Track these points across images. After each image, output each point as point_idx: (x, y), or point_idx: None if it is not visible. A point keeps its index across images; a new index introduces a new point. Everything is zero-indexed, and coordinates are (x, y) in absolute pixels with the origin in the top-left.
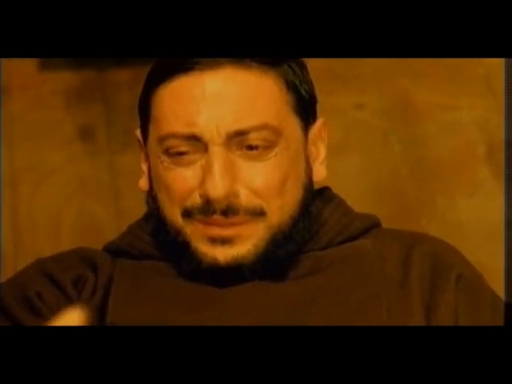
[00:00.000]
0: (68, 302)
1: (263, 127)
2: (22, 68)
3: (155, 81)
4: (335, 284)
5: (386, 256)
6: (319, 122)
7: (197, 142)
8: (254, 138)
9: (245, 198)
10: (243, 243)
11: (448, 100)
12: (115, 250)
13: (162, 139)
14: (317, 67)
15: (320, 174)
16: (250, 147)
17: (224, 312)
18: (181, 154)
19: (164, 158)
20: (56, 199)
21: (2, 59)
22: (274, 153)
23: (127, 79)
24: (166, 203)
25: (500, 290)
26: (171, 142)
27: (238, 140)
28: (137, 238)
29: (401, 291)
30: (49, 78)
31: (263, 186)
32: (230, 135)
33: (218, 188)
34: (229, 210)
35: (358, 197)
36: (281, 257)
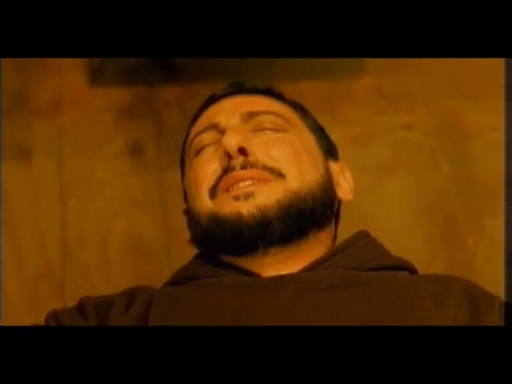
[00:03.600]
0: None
1: (272, 112)
2: (73, 83)
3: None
4: (369, 297)
5: (422, 285)
6: (341, 163)
7: (216, 130)
8: (265, 121)
9: (261, 157)
10: (266, 198)
11: (496, 120)
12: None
13: (190, 144)
14: (366, 86)
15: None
16: (263, 130)
17: (259, 322)
18: (204, 147)
19: (193, 160)
20: (105, 214)
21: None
22: (286, 135)
23: (177, 95)
24: (195, 199)
25: None
26: (196, 141)
27: (252, 123)
28: (182, 267)
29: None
30: (99, 93)
31: (279, 153)
32: (243, 115)
33: (230, 138)
34: (247, 164)
35: (406, 216)
36: (302, 224)
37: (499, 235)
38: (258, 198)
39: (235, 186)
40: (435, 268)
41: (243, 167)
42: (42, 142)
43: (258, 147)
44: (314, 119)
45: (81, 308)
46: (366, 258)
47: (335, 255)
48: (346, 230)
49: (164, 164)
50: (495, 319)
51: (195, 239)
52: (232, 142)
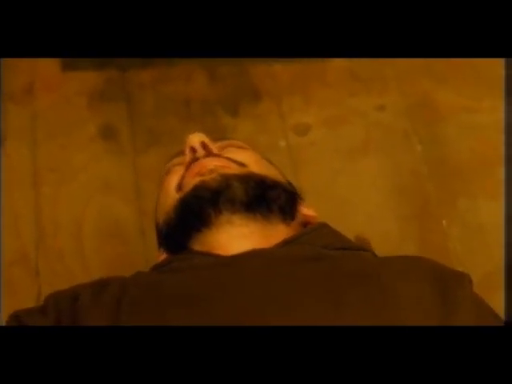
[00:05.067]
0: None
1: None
2: (46, 68)
3: None
4: (338, 268)
5: (387, 262)
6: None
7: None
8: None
9: (225, 153)
10: (229, 170)
11: (469, 102)
12: None
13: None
14: (339, 68)
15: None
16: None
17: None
18: (172, 166)
19: (163, 178)
20: (79, 199)
21: (23, 59)
22: (248, 151)
23: (151, 78)
24: (165, 203)
25: None
26: (167, 166)
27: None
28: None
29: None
30: (73, 77)
31: (241, 157)
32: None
33: (194, 136)
34: (211, 154)
35: (379, 197)
36: (263, 195)
37: (472, 216)
38: (221, 170)
39: (200, 166)
40: (408, 249)
41: (207, 156)
42: (15, 128)
43: (219, 151)
44: None
45: (43, 306)
46: (332, 240)
47: (301, 237)
48: (320, 212)
49: (138, 147)
50: (465, 294)
51: (166, 244)
52: (195, 138)
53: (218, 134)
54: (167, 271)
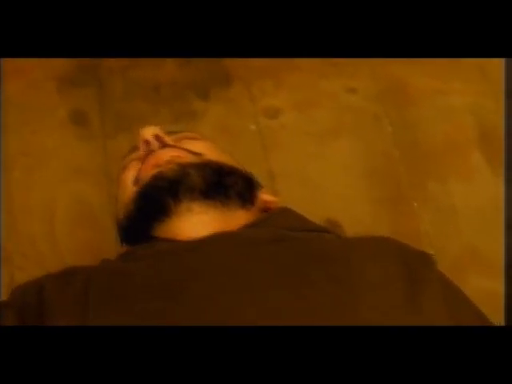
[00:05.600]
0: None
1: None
2: None
3: None
4: (302, 248)
5: (351, 242)
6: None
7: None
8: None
9: (179, 144)
10: (185, 160)
11: (440, 85)
12: None
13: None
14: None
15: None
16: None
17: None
18: (129, 163)
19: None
20: (50, 184)
21: None
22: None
23: (120, 64)
24: (123, 198)
25: (493, 273)
26: (122, 163)
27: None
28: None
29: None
30: (42, 62)
31: (196, 147)
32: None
33: (147, 129)
34: (166, 145)
35: (351, 180)
36: (220, 181)
37: (443, 199)
38: (177, 161)
39: (156, 158)
40: (380, 231)
41: (162, 148)
42: None
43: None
44: None
45: (8, 299)
46: (295, 223)
47: (265, 220)
48: (291, 195)
49: (108, 132)
50: (431, 274)
51: (129, 239)
52: (149, 131)
53: (188, 119)
54: (133, 259)
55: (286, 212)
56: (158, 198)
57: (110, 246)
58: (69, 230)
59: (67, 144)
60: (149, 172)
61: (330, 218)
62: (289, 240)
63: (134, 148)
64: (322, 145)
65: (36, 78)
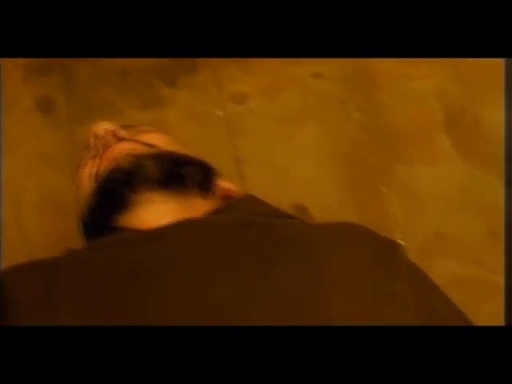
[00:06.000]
0: None
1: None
2: None
3: None
4: (268, 233)
5: (317, 228)
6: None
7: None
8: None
9: (134, 137)
10: (141, 151)
11: (406, 69)
12: None
13: None
14: None
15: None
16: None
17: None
18: (82, 159)
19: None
20: (18, 172)
21: None
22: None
23: None
24: (82, 193)
25: (460, 257)
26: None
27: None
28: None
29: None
30: None
31: (151, 139)
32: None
33: (100, 123)
34: (121, 139)
35: (317, 165)
36: (177, 171)
37: (410, 182)
38: (132, 152)
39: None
40: (348, 216)
41: (117, 142)
42: None
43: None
44: None
45: None
46: (259, 209)
47: (228, 207)
48: (259, 181)
49: (75, 119)
50: (399, 260)
51: (91, 236)
52: (101, 126)
53: (155, 105)
54: (99, 249)
55: (249, 198)
56: (116, 190)
57: (79, 228)
58: (36, 217)
59: (34, 132)
60: (106, 167)
61: (298, 203)
62: (253, 225)
63: (88, 146)
64: (289, 130)
65: (2, 66)
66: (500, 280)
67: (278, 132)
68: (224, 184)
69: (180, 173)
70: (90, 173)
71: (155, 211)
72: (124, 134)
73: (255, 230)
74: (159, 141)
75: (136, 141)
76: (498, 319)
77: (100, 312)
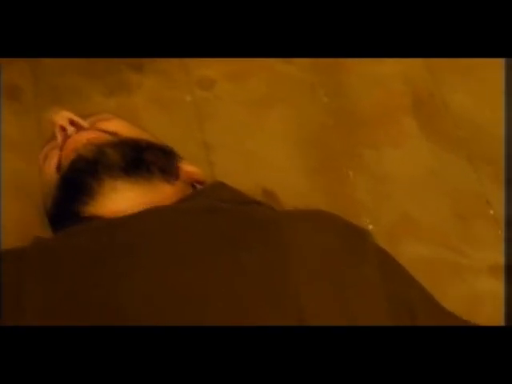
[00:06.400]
0: None
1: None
2: None
3: None
4: (237, 218)
5: (287, 215)
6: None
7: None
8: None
9: (96, 125)
10: (103, 140)
11: None
12: None
13: None
14: None
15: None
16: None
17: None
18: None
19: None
20: None
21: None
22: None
23: None
24: (48, 186)
25: (427, 240)
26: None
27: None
28: None
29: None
30: None
31: (112, 127)
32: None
33: (60, 113)
34: (81, 129)
35: (286, 150)
36: (139, 157)
37: (378, 166)
38: (94, 142)
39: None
40: (316, 200)
41: (78, 131)
42: None
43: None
44: None
45: None
46: (228, 196)
47: (197, 194)
48: (227, 167)
49: (42, 106)
50: (367, 246)
51: (59, 227)
52: (62, 116)
53: (123, 91)
54: (67, 238)
55: (218, 185)
56: (81, 180)
57: (45, 221)
58: (6, 205)
59: (1, 119)
60: (68, 157)
61: (266, 188)
62: (222, 211)
63: (51, 137)
64: (258, 115)
65: (2, 66)
66: (466, 262)
67: (246, 117)
68: (188, 168)
69: (142, 159)
70: (53, 164)
71: (121, 199)
72: (84, 123)
73: (223, 216)
74: (120, 128)
75: (96, 129)
76: (464, 301)
77: (67, 299)
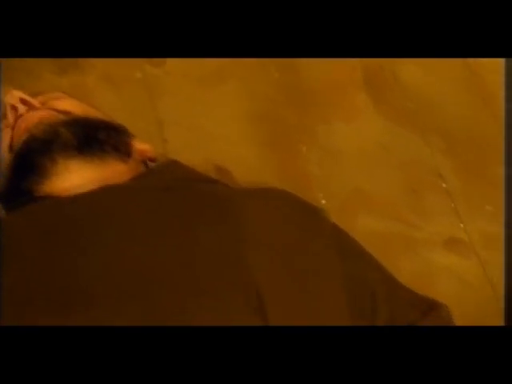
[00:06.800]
0: None
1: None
2: None
3: None
4: (193, 196)
5: (242, 193)
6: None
7: None
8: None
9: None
10: (55, 119)
11: None
12: None
13: None
14: None
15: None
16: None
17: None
18: None
19: None
20: None
21: None
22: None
23: None
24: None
25: (379, 213)
26: None
27: None
28: None
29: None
30: None
31: (63, 105)
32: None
33: (11, 93)
34: (33, 108)
35: (237, 126)
36: (91, 135)
37: (330, 141)
38: (46, 121)
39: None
40: (269, 176)
41: (30, 111)
42: None
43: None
44: None
45: None
46: (183, 174)
47: (150, 173)
48: (180, 143)
49: None
50: (322, 223)
51: (10, 206)
52: (14, 95)
53: (74, 69)
54: (22, 215)
55: (172, 163)
56: (34, 160)
57: None
58: None
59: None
60: (20, 137)
61: (219, 164)
62: (175, 189)
63: (2, 117)
64: (209, 91)
65: (2, 66)
66: (420, 235)
67: (198, 93)
68: (141, 146)
69: (95, 137)
70: (6, 144)
71: (74, 178)
72: (35, 103)
73: (177, 194)
74: (71, 106)
75: (48, 108)
76: (418, 275)
77: (22, 277)
